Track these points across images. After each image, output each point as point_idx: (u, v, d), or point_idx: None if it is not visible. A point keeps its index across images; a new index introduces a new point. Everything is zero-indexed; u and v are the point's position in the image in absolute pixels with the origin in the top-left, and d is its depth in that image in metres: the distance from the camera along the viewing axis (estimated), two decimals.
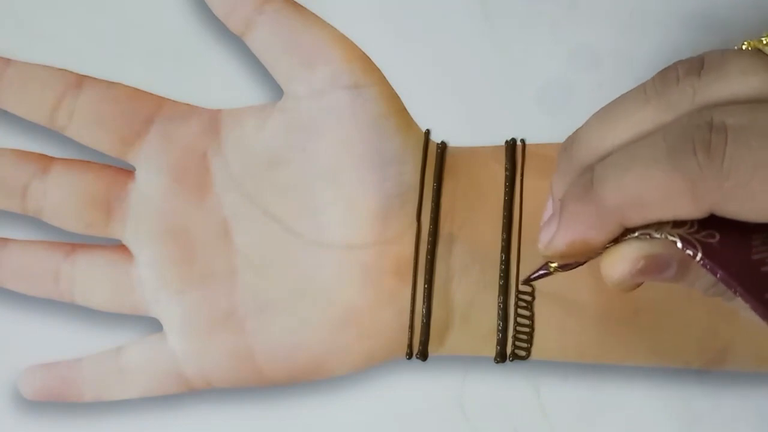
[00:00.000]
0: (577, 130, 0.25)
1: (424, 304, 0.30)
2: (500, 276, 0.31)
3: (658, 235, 0.22)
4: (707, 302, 0.30)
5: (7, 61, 0.31)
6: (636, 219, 0.22)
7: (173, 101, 0.32)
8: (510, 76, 0.36)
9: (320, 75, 0.30)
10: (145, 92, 0.32)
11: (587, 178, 0.23)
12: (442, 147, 0.32)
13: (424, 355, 0.31)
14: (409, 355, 0.31)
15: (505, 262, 0.31)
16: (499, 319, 0.31)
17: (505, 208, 0.31)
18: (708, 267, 0.22)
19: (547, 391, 0.33)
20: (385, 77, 0.31)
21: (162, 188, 0.31)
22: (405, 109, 0.31)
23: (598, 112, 0.24)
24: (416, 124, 0.32)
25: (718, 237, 0.22)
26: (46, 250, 0.32)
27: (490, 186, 0.31)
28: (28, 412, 0.33)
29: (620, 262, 0.23)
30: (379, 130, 0.30)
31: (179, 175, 0.31)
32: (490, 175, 0.32)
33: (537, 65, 0.35)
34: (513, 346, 0.31)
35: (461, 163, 0.32)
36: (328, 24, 0.31)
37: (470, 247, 0.31)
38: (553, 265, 0.25)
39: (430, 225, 0.31)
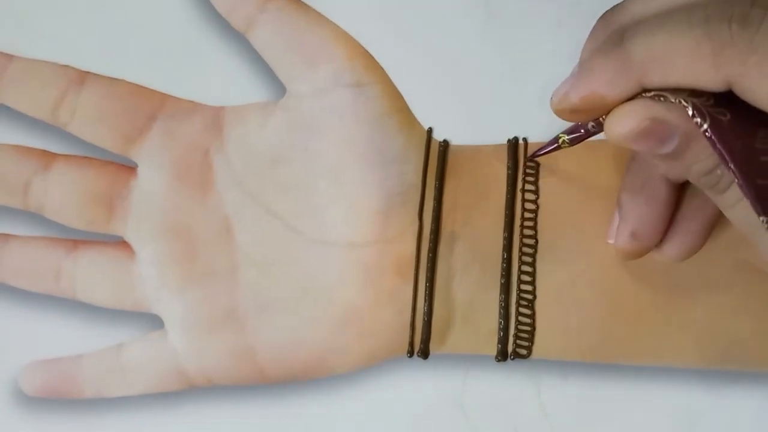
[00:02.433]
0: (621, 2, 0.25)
1: (425, 302, 0.30)
2: (502, 274, 0.31)
3: (672, 99, 0.23)
4: (707, 302, 0.30)
5: (10, 57, 0.31)
6: (657, 78, 0.23)
7: (176, 98, 0.32)
8: (512, 75, 0.36)
9: (323, 73, 0.30)
10: (148, 89, 0.32)
11: (619, 35, 0.23)
12: (445, 145, 0.32)
13: (425, 354, 0.31)
14: (410, 354, 0.31)
15: (507, 261, 0.31)
16: (500, 317, 0.31)
17: (507, 207, 0.31)
18: (710, 138, 0.22)
19: (548, 390, 0.33)
20: (387, 75, 0.31)
21: (164, 185, 0.31)
22: (407, 107, 0.31)
23: None
24: (418, 123, 0.32)
25: (728, 116, 0.22)
26: (47, 247, 0.32)
27: (492, 185, 0.31)
28: (29, 409, 0.33)
29: (627, 116, 0.23)
30: (382, 129, 0.30)
31: (181, 172, 0.31)
32: (492, 173, 0.32)
33: (539, 64, 0.35)
34: (514, 344, 0.31)
35: (463, 162, 0.32)
36: (331, 22, 0.30)
37: (472, 245, 0.31)
38: (563, 138, 0.26)
39: (432, 223, 0.31)
